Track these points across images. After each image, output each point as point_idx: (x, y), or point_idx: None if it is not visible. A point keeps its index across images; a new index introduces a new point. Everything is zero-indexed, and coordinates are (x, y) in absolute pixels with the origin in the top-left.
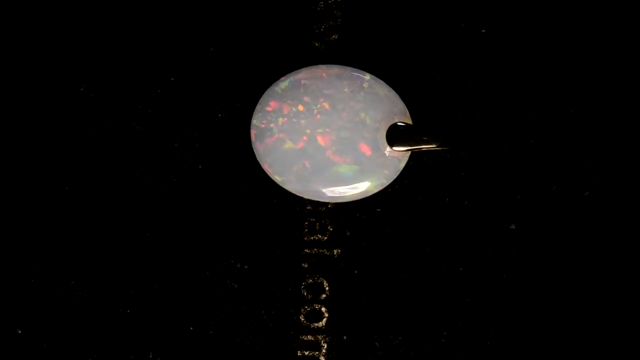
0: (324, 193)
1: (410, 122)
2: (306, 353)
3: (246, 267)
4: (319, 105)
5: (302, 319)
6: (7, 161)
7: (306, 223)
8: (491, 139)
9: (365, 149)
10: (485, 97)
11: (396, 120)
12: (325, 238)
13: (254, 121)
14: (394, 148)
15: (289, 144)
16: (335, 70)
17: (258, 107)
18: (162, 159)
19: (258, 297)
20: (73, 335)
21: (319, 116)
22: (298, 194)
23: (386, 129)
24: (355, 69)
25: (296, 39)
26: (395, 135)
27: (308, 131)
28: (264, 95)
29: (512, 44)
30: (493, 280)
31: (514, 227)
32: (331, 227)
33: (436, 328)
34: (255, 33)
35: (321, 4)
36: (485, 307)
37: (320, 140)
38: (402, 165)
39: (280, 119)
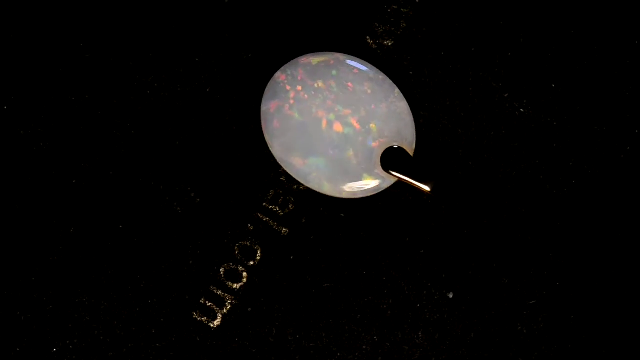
0: (300, 172)
1: (411, 153)
2: (208, 304)
3: (198, 200)
4: (340, 94)
5: (221, 273)
6: None
7: (272, 191)
8: (476, 209)
9: (359, 156)
10: (491, 169)
11: (400, 145)
12: (282, 213)
13: (276, 76)
14: (385, 170)
15: (295, 113)
16: (371, 71)
17: (285, 67)
18: (177, 65)
19: (193, 232)
20: (12, 179)
21: (334, 103)
22: (278, 161)
23: (386, 147)
24: (389, 80)
25: (354, 27)
26: (391, 158)
27: (320, 113)
28: (297, 59)
29: (539, 136)
30: (407, 333)
31: (451, 296)
32: (292, 207)
33: (333, 346)
34: (319, 1)
35: (393, 7)
36: (387, 351)
37: (324, 124)
38: (384, 187)
39: (300, 87)
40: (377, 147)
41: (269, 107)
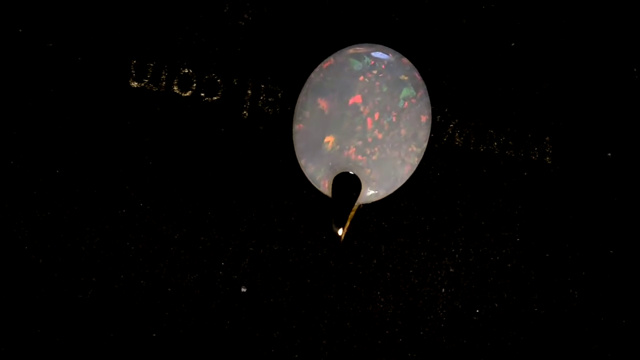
0: (300, 106)
1: (364, 200)
2: (147, 77)
3: (242, 23)
4: (386, 110)
5: (183, 72)
6: None
7: (277, 88)
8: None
9: (338, 151)
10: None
11: (363, 185)
12: (259, 105)
13: (375, 47)
14: (332, 182)
15: (350, 75)
16: (425, 138)
17: (390, 51)
18: None
19: (200, 37)
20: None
21: (377, 108)
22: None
23: (352, 171)
24: (424, 147)
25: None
26: (344, 180)
27: (363, 100)
28: (402, 58)
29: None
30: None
31: (243, 290)
32: (270, 111)
33: (167, 250)
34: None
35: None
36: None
37: (355, 104)
38: (320, 189)
39: (377, 71)
40: (354, 164)
41: (344, 53)
